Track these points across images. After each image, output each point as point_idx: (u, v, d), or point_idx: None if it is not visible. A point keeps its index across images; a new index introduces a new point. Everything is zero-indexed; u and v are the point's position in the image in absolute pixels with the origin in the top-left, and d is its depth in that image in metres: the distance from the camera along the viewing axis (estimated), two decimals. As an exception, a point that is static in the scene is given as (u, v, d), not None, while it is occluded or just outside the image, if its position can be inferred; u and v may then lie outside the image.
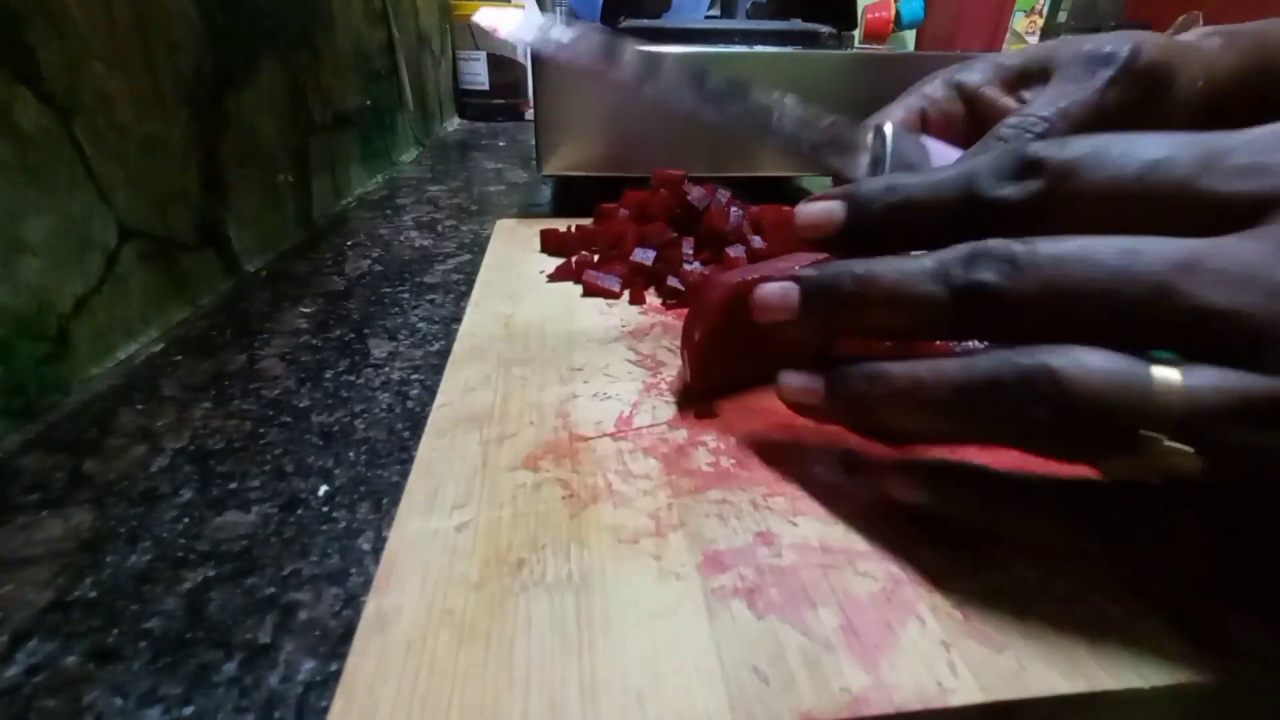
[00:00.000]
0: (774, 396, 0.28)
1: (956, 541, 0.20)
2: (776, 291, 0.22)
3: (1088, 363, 0.16)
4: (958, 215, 0.19)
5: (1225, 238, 0.16)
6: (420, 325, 0.39)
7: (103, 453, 0.27)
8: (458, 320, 0.37)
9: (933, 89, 0.36)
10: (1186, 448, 0.15)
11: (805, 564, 0.19)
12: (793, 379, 0.22)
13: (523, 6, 1.34)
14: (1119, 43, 0.31)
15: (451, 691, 0.15)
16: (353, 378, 0.33)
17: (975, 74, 0.35)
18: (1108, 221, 0.17)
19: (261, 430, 0.28)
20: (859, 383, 0.20)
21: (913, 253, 0.20)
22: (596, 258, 0.42)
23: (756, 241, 0.40)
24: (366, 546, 0.22)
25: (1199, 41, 0.34)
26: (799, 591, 0.18)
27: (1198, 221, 0.16)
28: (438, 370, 0.31)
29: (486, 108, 1.31)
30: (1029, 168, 0.18)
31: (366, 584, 0.20)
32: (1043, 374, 0.16)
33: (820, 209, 0.22)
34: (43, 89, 0.29)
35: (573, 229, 0.47)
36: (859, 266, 0.20)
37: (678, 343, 0.33)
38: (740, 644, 0.17)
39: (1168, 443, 0.15)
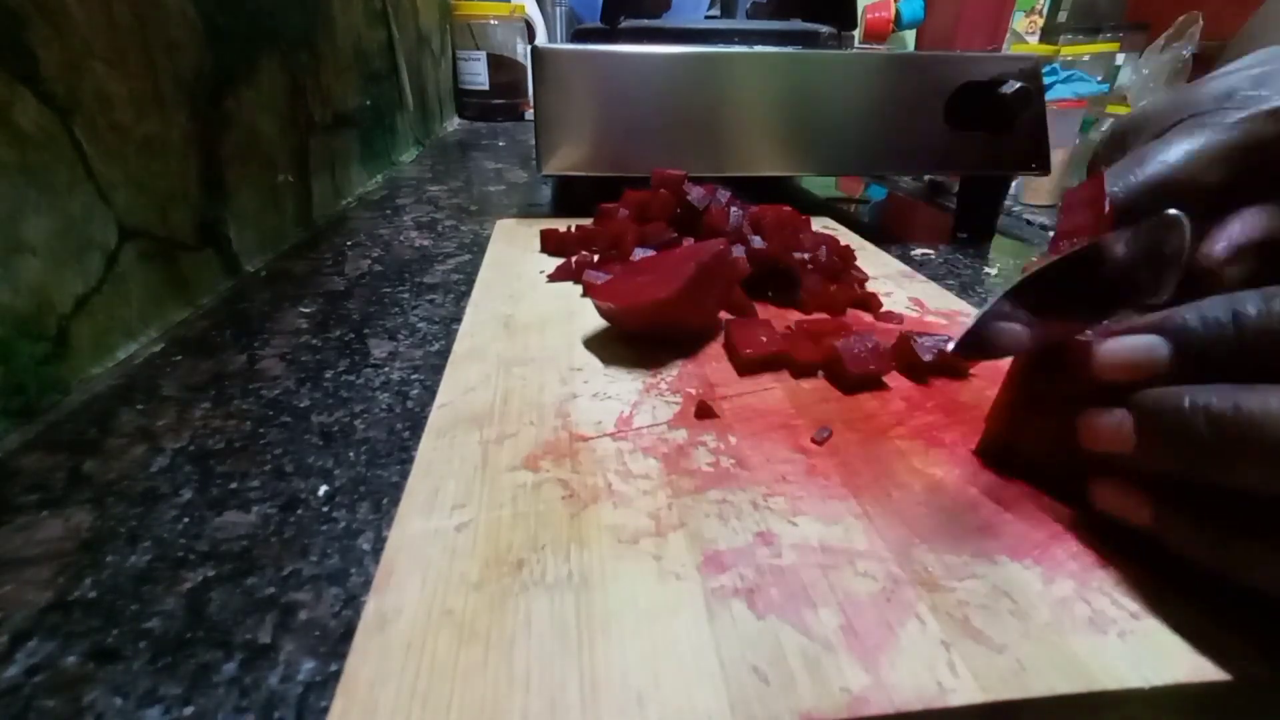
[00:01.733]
0: (771, 399, 0.28)
1: (956, 542, 0.20)
2: (1109, 422, 0.19)
3: None
4: None
5: None
6: (420, 325, 0.39)
7: (103, 453, 0.27)
8: (458, 320, 0.37)
9: (1245, 142, 0.22)
10: None
11: (805, 564, 0.19)
12: (1122, 502, 0.19)
13: (524, 7, 1.34)
14: None
15: (451, 691, 0.15)
16: (353, 378, 0.33)
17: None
18: None
19: (261, 430, 0.28)
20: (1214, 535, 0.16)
21: None
22: (596, 258, 0.42)
23: (756, 241, 0.40)
24: (366, 546, 0.22)
25: None
26: (799, 591, 0.18)
27: None
28: (438, 370, 0.31)
29: (486, 108, 1.31)
30: None
31: (366, 584, 0.20)
32: None
33: (1137, 347, 0.19)
34: (43, 89, 0.29)
35: (573, 229, 0.47)
36: (1219, 400, 0.16)
37: (678, 345, 0.33)
38: (740, 644, 0.17)
39: None
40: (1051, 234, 0.26)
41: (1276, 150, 0.21)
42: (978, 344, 0.21)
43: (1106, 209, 0.22)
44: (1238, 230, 0.21)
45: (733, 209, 0.43)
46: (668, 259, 0.35)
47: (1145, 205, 0.21)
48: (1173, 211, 0.21)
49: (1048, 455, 0.23)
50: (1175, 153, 0.22)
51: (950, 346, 0.21)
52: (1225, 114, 0.22)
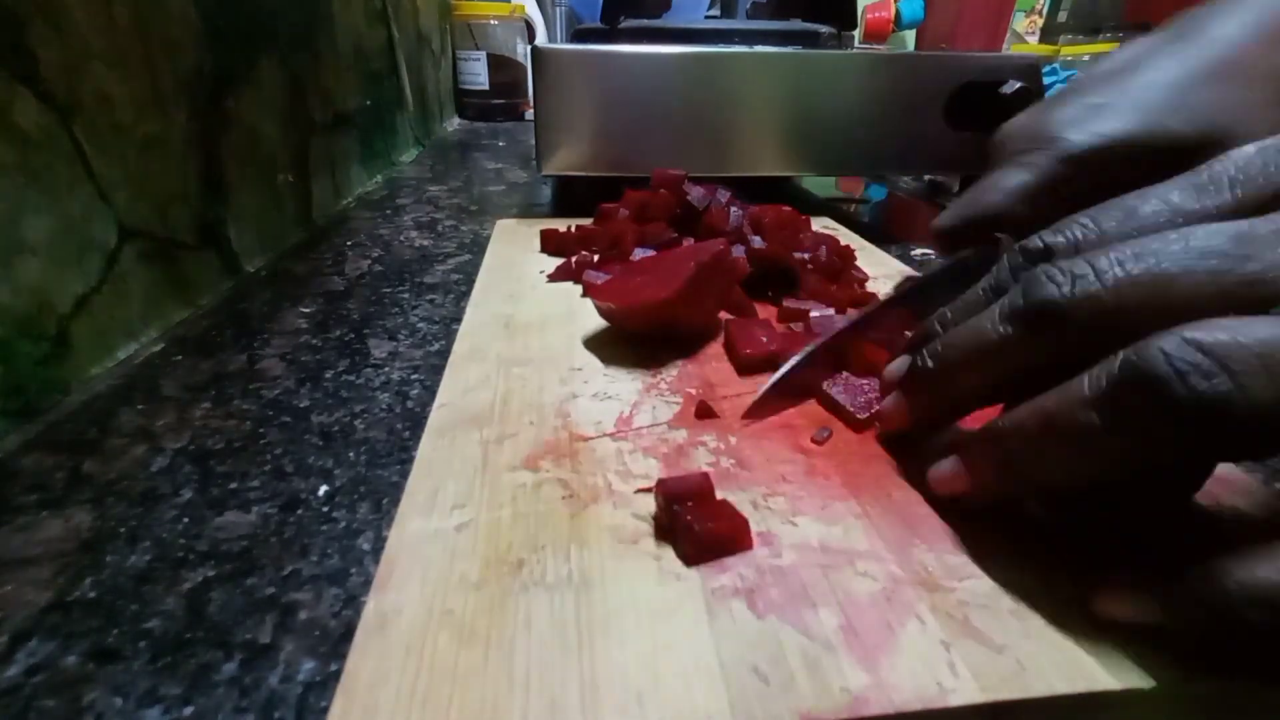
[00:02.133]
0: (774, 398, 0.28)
1: (956, 542, 0.20)
2: (890, 404, 0.24)
3: (1240, 330, 0.15)
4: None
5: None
6: (420, 325, 0.39)
7: (103, 453, 0.27)
8: (458, 320, 0.37)
9: (1063, 173, 0.29)
10: None
11: (805, 564, 0.19)
12: (936, 472, 0.22)
13: (524, 7, 1.34)
14: None
15: (451, 692, 0.15)
16: (353, 378, 0.33)
17: (1113, 151, 0.28)
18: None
19: (261, 430, 0.28)
20: (985, 446, 0.20)
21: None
22: (596, 258, 0.42)
23: (756, 241, 0.40)
24: (366, 546, 0.22)
25: None
26: (799, 591, 0.18)
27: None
28: (438, 370, 0.31)
29: (486, 108, 1.32)
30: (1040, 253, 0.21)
31: (366, 584, 0.20)
32: (1192, 347, 0.15)
33: (890, 407, 0.24)
34: (43, 89, 0.29)
35: (573, 229, 0.47)
36: (936, 343, 0.22)
37: (679, 345, 0.33)
38: (740, 644, 0.17)
39: None
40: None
41: (1069, 188, 0.28)
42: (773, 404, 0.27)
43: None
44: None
45: (732, 209, 0.43)
46: (667, 259, 0.35)
47: (973, 235, 0.29)
48: (1005, 238, 0.27)
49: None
50: (996, 190, 0.30)
51: (747, 410, 0.26)
52: (1046, 151, 0.29)
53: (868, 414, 0.26)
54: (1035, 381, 0.18)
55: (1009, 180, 0.29)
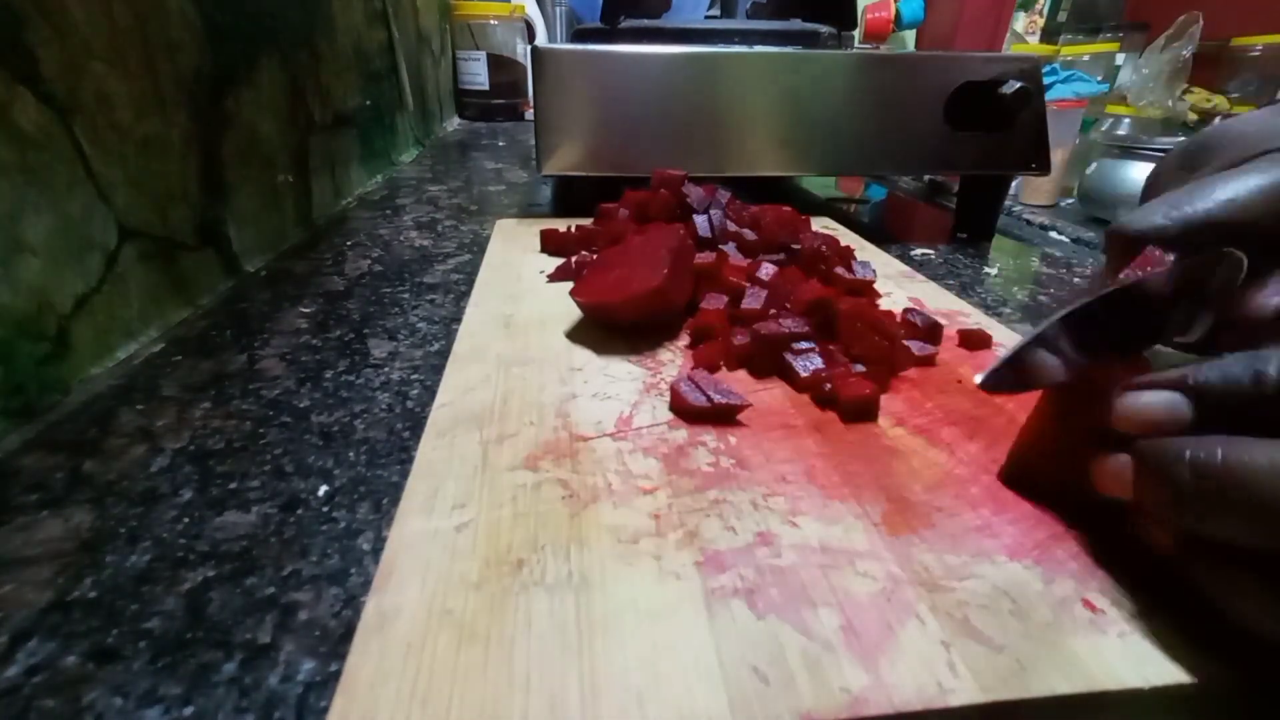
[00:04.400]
0: (771, 399, 0.28)
1: (956, 542, 0.20)
2: (1113, 467, 0.19)
3: None
4: None
5: None
6: (420, 325, 0.39)
7: (103, 453, 0.27)
8: (458, 320, 0.37)
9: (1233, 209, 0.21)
10: None
11: (805, 564, 0.19)
12: (1107, 465, 0.19)
13: (524, 7, 1.34)
14: None
15: (451, 692, 0.15)
16: (353, 378, 0.33)
17: None
18: None
19: (261, 430, 0.28)
20: (1194, 483, 0.16)
21: None
22: (596, 257, 0.42)
23: (748, 234, 0.41)
24: (366, 546, 0.22)
25: None
26: (799, 591, 0.18)
27: None
28: (438, 370, 0.31)
29: (486, 108, 1.32)
30: None
31: (366, 584, 0.20)
32: None
33: (1157, 404, 0.18)
34: (43, 89, 0.29)
35: (573, 229, 0.47)
36: (1206, 451, 0.16)
37: (678, 343, 0.33)
38: (740, 644, 0.17)
39: None
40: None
41: None
42: (1007, 380, 0.21)
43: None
44: None
45: (714, 212, 0.43)
46: (632, 251, 0.36)
47: (1194, 241, 0.20)
48: (1235, 252, 0.20)
49: (1068, 486, 0.22)
50: (1240, 190, 0.21)
51: (979, 380, 0.20)
52: None
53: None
54: None
55: (1259, 179, 0.21)
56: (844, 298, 0.34)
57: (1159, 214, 0.21)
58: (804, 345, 0.30)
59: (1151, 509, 0.18)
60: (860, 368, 0.29)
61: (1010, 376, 0.21)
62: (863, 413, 0.27)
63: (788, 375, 0.30)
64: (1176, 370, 0.18)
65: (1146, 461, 0.17)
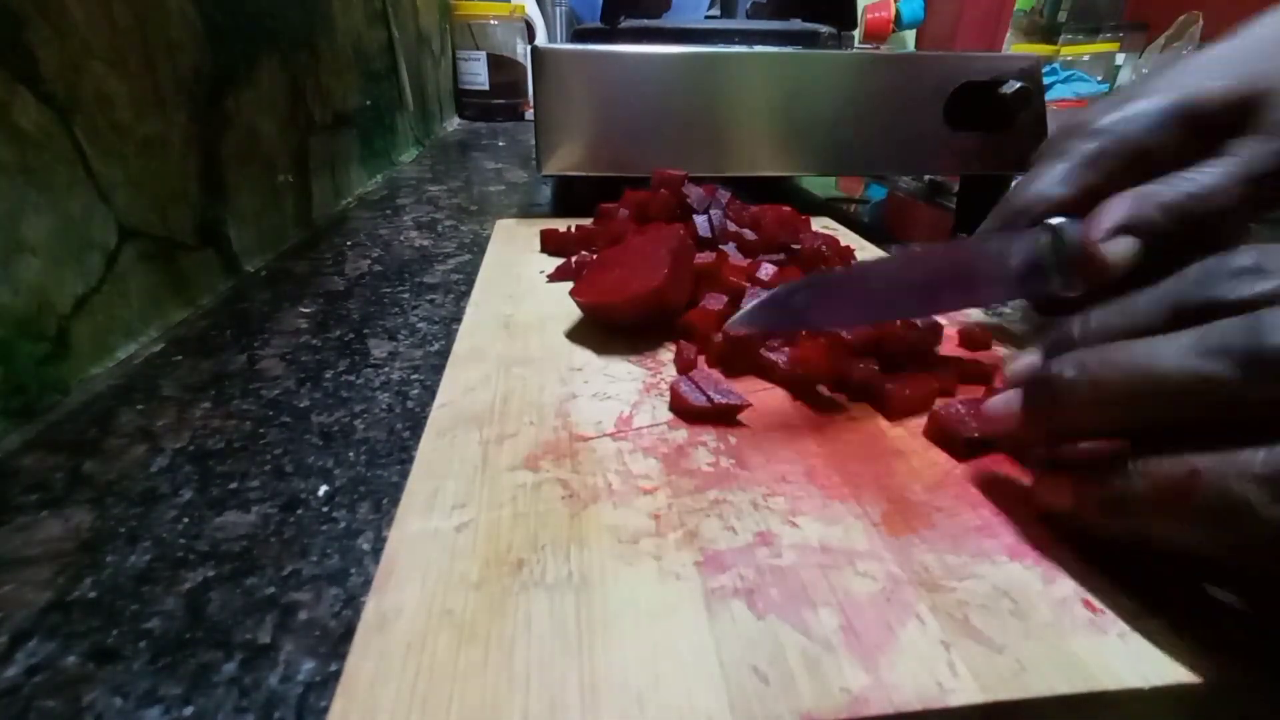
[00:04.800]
0: (771, 399, 0.28)
1: (956, 542, 0.20)
2: (999, 405, 0.21)
3: None
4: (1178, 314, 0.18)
5: None
6: (420, 325, 0.39)
7: (103, 453, 0.27)
8: (458, 320, 0.37)
9: (1096, 149, 0.28)
10: None
11: (805, 564, 0.19)
12: (1043, 485, 0.21)
13: (524, 7, 1.34)
14: None
15: (451, 692, 0.15)
16: (353, 378, 0.33)
17: (1146, 122, 0.27)
18: None
19: (261, 430, 0.28)
20: (1109, 486, 0.18)
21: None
22: (596, 258, 0.42)
23: (748, 234, 0.41)
24: (366, 546, 0.22)
25: None
26: (799, 591, 0.18)
27: None
28: (438, 370, 0.31)
29: (486, 108, 1.32)
30: (1248, 270, 0.17)
31: (366, 584, 0.20)
32: None
33: (1000, 405, 0.21)
34: (43, 89, 0.29)
35: (573, 229, 0.47)
36: (1088, 354, 0.19)
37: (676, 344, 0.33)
38: (740, 644, 0.17)
39: None
40: None
41: (1109, 165, 0.27)
42: (759, 319, 0.25)
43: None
44: (1105, 217, 0.26)
45: (713, 211, 0.43)
46: (632, 251, 0.36)
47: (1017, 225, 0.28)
48: (1051, 221, 0.27)
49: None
50: (1029, 184, 0.29)
51: (731, 321, 0.23)
52: (1073, 139, 0.28)
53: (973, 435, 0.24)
54: (1188, 430, 0.17)
55: (1044, 171, 0.28)
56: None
57: (988, 221, 0.31)
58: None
59: (1030, 433, 0.21)
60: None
61: (764, 317, 0.25)
62: (823, 377, 0.28)
63: (766, 373, 0.30)
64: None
65: (1027, 392, 0.21)
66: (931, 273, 0.27)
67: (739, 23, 0.81)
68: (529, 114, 1.30)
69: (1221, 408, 0.16)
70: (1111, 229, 0.25)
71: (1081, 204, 0.27)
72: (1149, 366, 0.17)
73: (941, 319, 0.34)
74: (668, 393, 0.28)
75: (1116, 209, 0.26)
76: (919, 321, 0.32)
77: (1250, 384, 0.16)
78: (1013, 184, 0.30)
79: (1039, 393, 0.20)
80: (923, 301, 0.27)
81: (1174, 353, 0.17)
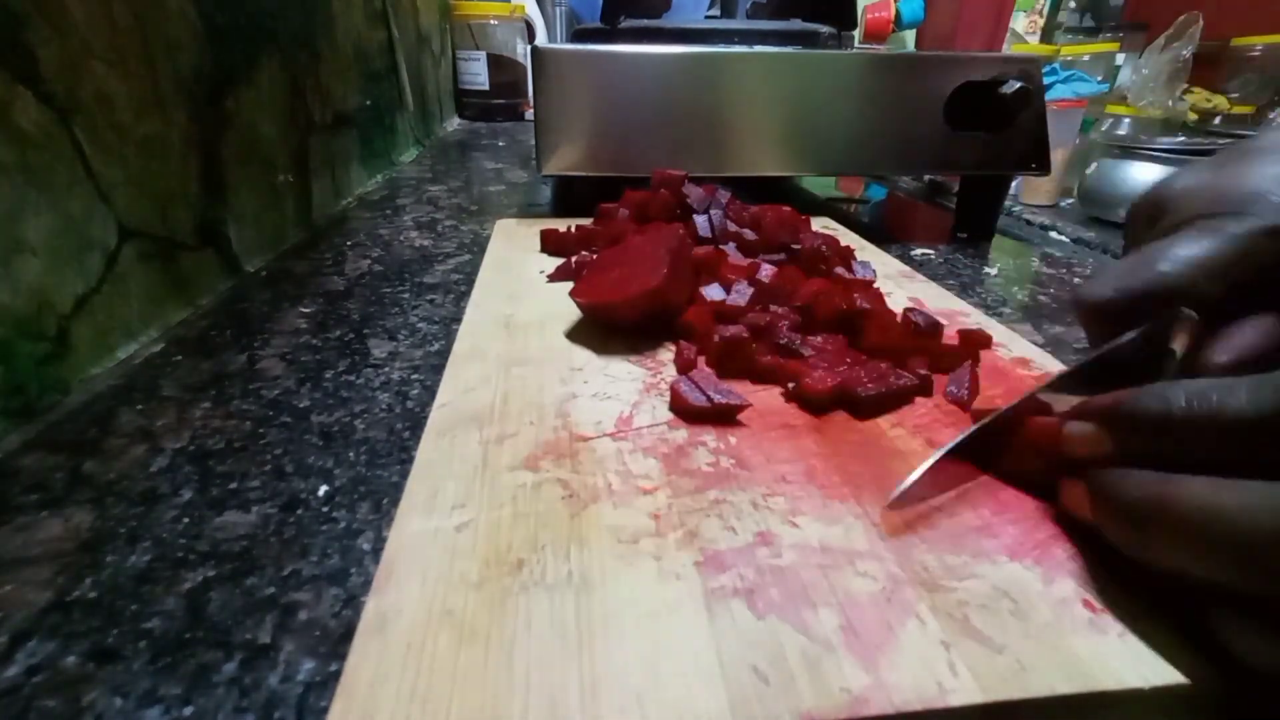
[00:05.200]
0: (771, 399, 0.28)
1: (956, 542, 0.20)
2: (1085, 431, 0.20)
3: None
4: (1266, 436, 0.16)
5: None
6: (420, 325, 0.39)
7: (103, 453, 0.27)
8: (458, 320, 0.37)
9: (1242, 234, 0.22)
10: None
11: (805, 564, 0.19)
12: (1071, 492, 0.20)
13: (524, 7, 1.34)
14: None
15: (451, 692, 0.15)
16: (353, 378, 0.33)
17: None
18: None
19: (261, 430, 0.28)
20: (1146, 508, 0.17)
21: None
22: (596, 258, 0.42)
23: (748, 234, 0.41)
24: (366, 546, 0.22)
25: None
26: (799, 591, 0.18)
27: None
28: (438, 370, 0.31)
29: (486, 108, 1.32)
30: None
31: (366, 584, 0.20)
32: None
33: (1079, 434, 0.20)
34: (43, 89, 0.29)
35: (573, 229, 0.47)
36: (1141, 486, 0.17)
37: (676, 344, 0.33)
38: (740, 644, 0.17)
39: None
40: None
41: (1266, 262, 0.22)
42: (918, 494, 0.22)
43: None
44: (1239, 340, 0.22)
45: (714, 212, 0.43)
46: (631, 251, 0.36)
47: (1140, 309, 0.22)
48: (1189, 314, 0.22)
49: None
50: (1172, 261, 0.23)
51: (892, 497, 0.21)
52: (1239, 220, 0.22)
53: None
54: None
55: (1190, 248, 0.22)
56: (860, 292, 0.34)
57: (1109, 286, 0.23)
58: (784, 339, 0.31)
59: (1106, 533, 0.19)
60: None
61: (925, 488, 0.22)
62: (824, 406, 0.27)
63: (754, 373, 0.30)
64: (1102, 397, 0.20)
65: (1092, 488, 0.19)
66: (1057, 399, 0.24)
67: (739, 23, 0.81)
68: (529, 114, 1.30)
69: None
70: (1243, 353, 0.22)
71: (1219, 302, 0.22)
72: (1215, 403, 0.17)
73: (941, 319, 0.34)
74: (668, 393, 0.28)
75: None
76: (919, 320, 0.32)
77: None
78: (1144, 247, 0.24)
79: (1116, 417, 0.19)
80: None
81: (1240, 395, 0.16)
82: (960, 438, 0.22)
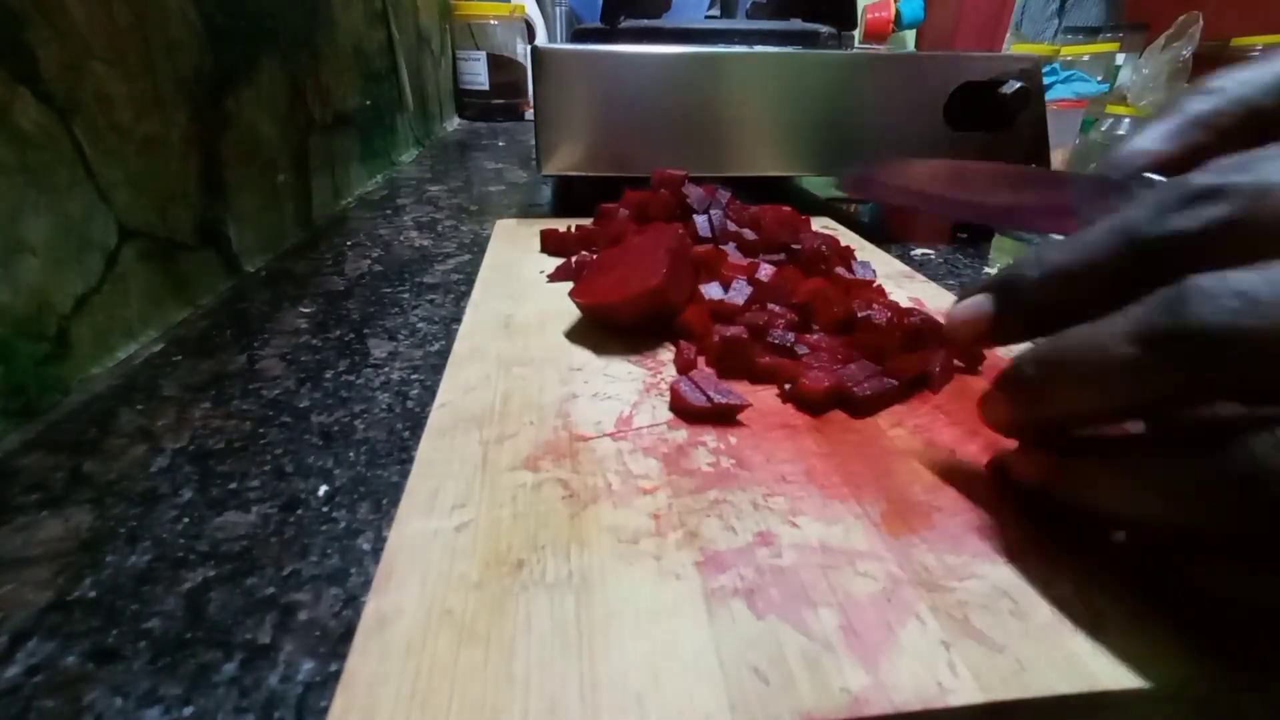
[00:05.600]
0: (771, 399, 0.28)
1: (956, 542, 0.20)
2: (992, 411, 0.21)
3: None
4: (1120, 273, 0.17)
5: None
6: (420, 325, 0.39)
7: (103, 453, 0.27)
8: (458, 320, 0.37)
9: (1208, 108, 0.24)
10: None
11: (805, 564, 0.19)
12: (983, 406, 0.21)
13: (524, 7, 1.34)
14: None
15: (451, 692, 0.15)
16: (353, 378, 0.33)
17: (1265, 84, 0.23)
18: None
19: (261, 430, 0.28)
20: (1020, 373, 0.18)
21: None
22: (596, 258, 0.42)
23: (748, 234, 0.41)
24: (366, 546, 0.22)
25: None
26: (799, 591, 0.18)
27: None
28: (438, 370, 0.31)
29: (486, 108, 1.32)
30: (1205, 195, 0.15)
31: (366, 584, 0.20)
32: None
33: (967, 308, 0.21)
34: (43, 89, 0.29)
35: (573, 229, 0.47)
36: (1043, 349, 0.18)
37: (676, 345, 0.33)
38: (740, 644, 0.17)
39: None
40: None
41: (1224, 123, 0.22)
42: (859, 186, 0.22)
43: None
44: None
45: (714, 211, 0.43)
46: (631, 251, 0.36)
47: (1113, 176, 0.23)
48: (1148, 175, 0.22)
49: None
50: (1131, 143, 0.23)
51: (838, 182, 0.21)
52: (1187, 98, 0.23)
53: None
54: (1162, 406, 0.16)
55: (1151, 127, 0.23)
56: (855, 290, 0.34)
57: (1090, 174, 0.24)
58: (777, 339, 0.31)
59: (1018, 417, 0.20)
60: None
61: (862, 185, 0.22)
62: (820, 406, 0.27)
63: (753, 374, 0.30)
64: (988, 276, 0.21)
65: (1001, 375, 0.20)
66: (1020, 182, 0.25)
67: (739, 23, 0.81)
68: (529, 114, 1.30)
69: (1179, 400, 0.16)
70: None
71: (1184, 163, 0.23)
72: (1093, 355, 0.16)
73: (941, 318, 0.34)
74: (668, 393, 0.28)
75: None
76: (921, 319, 0.32)
77: (1193, 378, 0.15)
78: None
79: (1008, 392, 0.20)
80: (1000, 209, 0.26)
81: (1109, 337, 0.16)
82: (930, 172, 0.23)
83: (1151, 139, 0.24)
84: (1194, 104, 0.23)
